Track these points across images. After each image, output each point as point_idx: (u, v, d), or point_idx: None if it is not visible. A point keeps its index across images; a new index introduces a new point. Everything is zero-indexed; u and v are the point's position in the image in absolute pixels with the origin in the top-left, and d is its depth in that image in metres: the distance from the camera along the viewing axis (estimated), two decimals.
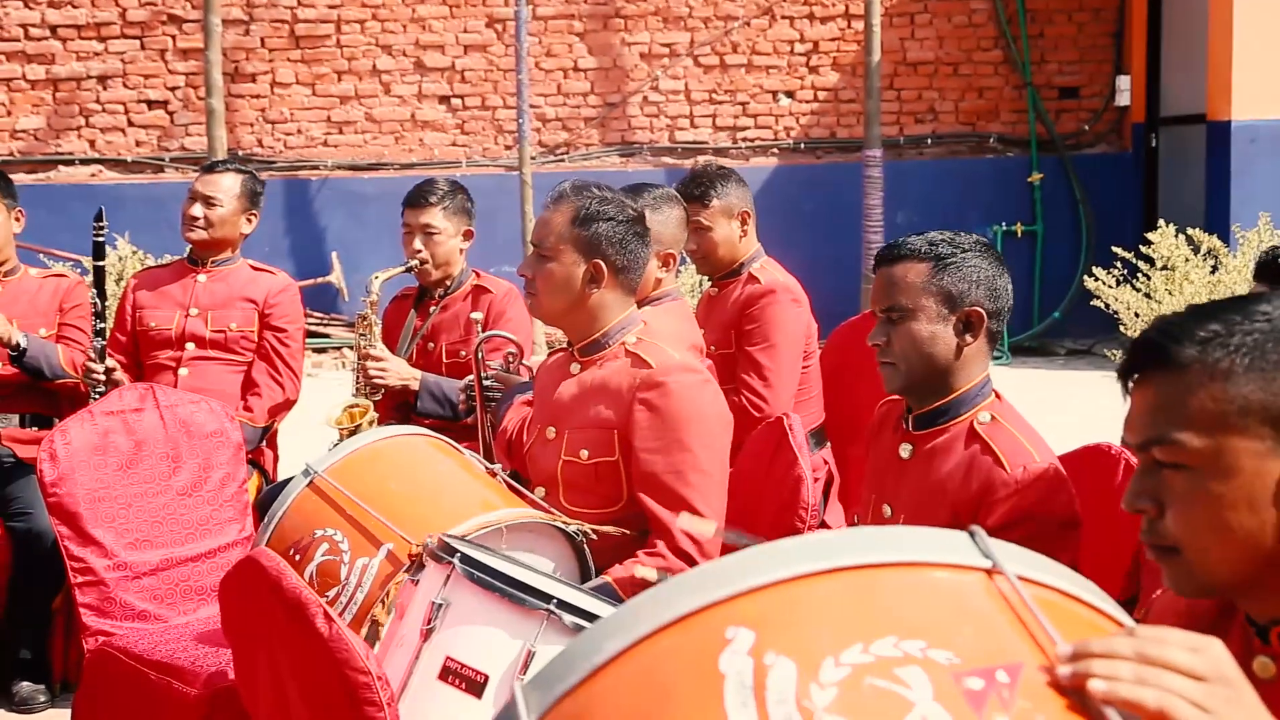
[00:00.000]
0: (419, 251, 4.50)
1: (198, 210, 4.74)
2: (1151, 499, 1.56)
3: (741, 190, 4.39)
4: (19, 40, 10.52)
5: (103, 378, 4.46)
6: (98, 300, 4.54)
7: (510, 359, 4.00)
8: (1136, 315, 8.47)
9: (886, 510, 2.74)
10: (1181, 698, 1.10)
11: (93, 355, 4.54)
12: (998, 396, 2.70)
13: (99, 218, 4.65)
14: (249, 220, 4.86)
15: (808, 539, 1.19)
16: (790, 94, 11.10)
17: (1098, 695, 1.08)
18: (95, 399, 4.19)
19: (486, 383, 3.92)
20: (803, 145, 11.09)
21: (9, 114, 10.54)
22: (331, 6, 10.68)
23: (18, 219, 4.81)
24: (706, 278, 4.65)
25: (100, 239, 4.63)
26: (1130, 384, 1.60)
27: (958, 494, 2.58)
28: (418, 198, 4.54)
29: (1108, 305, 8.71)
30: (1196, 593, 1.58)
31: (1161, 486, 1.55)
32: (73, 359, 4.67)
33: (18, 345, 4.51)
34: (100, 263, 4.62)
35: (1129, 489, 1.59)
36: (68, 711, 3.54)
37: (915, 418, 2.72)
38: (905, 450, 2.72)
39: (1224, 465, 1.52)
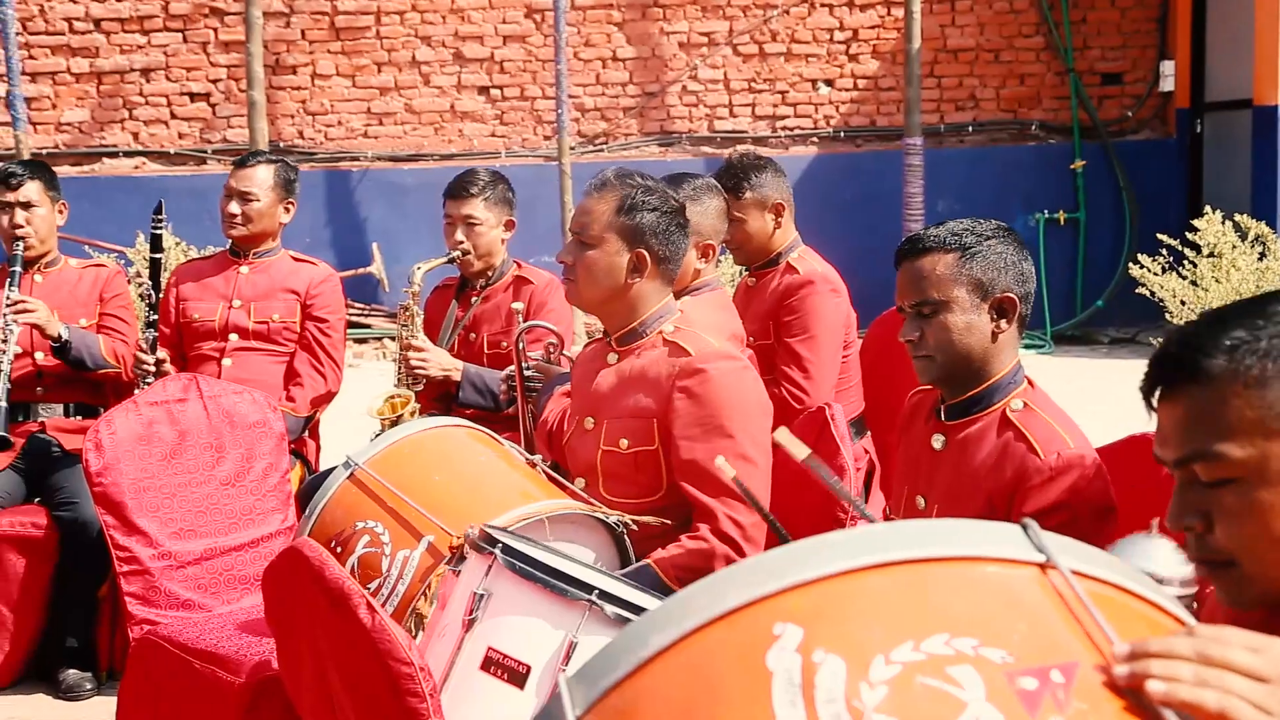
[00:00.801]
0: (461, 242, 4.50)
1: (235, 207, 4.77)
2: (1198, 515, 1.52)
3: (777, 181, 4.35)
4: (64, 34, 10.59)
5: (153, 369, 4.49)
6: (153, 291, 4.59)
7: (551, 349, 4.00)
8: (1183, 303, 8.38)
9: (920, 502, 2.72)
10: (1243, 699, 1.07)
11: (143, 345, 4.58)
12: (1030, 383, 2.67)
13: (158, 210, 4.70)
14: (286, 210, 4.88)
15: (856, 532, 1.16)
16: (830, 82, 11.04)
17: (1156, 697, 1.06)
18: (142, 389, 4.22)
19: (528, 373, 3.91)
20: (842, 134, 11.03)
21: (54, 107, 10.61)
22: None
23: (61, 211, 4.87)
24: (743, 267, 4.62)
25: (159, 231, 4.67)
26: (1155, 400, 1.56)
27: (991, 483, 2.56)
28: (459, 189, 4.54)
29: (1153, 293, 8.62)
30: (1254, 604, 1.53)
31: (1207, 501, 1.52)
32: (114, 349, 4.70)
33: (59, 337, 4.54)
34: (158, 255, 4.66)
35: (1171, 508, 1.55)
36: (113, 699, 3.56)
37: (948, 408, 2.70)
38: (938, 441, 2.70)
39: (1272, 472, 1.48)
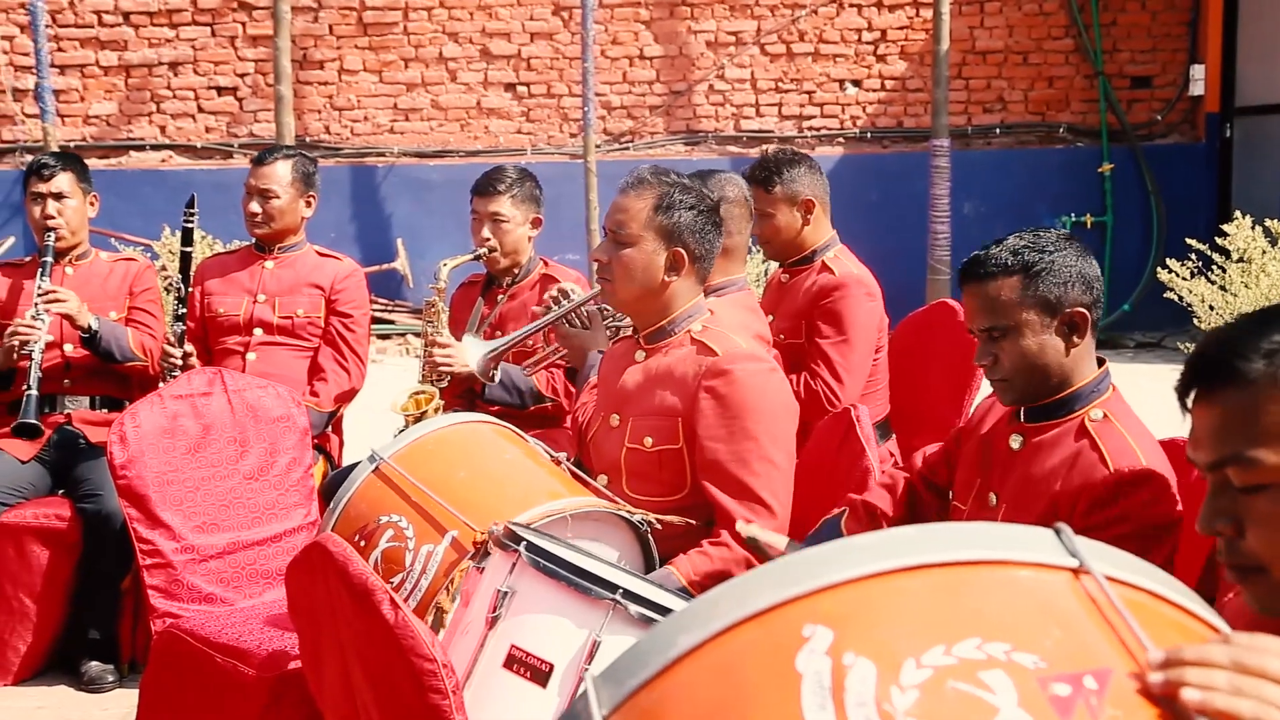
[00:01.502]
0: (487, 239, 4.49)
1: (255, 206, 4.78)
2: (1229, 520, 1.51)
3: (811, 178, 4.31)
4: (92, 27, 10.63)
5: (179, 362, 4.52)
6: (182, 285, 4.61)
7: (561, 299, 3.97)
8: (1211, 308, 8.33)
9: (992, 499, 2.70)
10: None
11: (171, 339, 4.59)
12: (1114, 390, 2.65)
13: (190, 204, 4.72)
14: (308, 203, 4.89)
15: (888, 534, 1.15)
16: (857, 83, 11.01)
17: (1191, 705, 1.04)
18: (167, 383, 4.23)
19: (578, 296, 3.87)
20: (869, 134, 11.00)
21: (82, 100, 10.66)
22: None
23: (92, 203, 4.88)
24: (772, 264, 4.60)
25: (190, 225, 4.69)
26: (1190, 402, 1.54)
27: (1059, 488, 2.54)
28: (486, 185, 4.53)
29: (1180, 298, 8.57)
30: None
31: (1239, 506, 1.50)
32: (142, 342, 4.72)
33: (89, 327, 4.56)
34: (188, 249, 4.67)
35: (1203, 511, 1.54)
36: (135, 691, 3.56)
37: (1028, 410, 2.68)
38: (1015, 441, 2.68)
39: None
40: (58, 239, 4.70)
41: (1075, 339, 2.59)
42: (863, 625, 1.09)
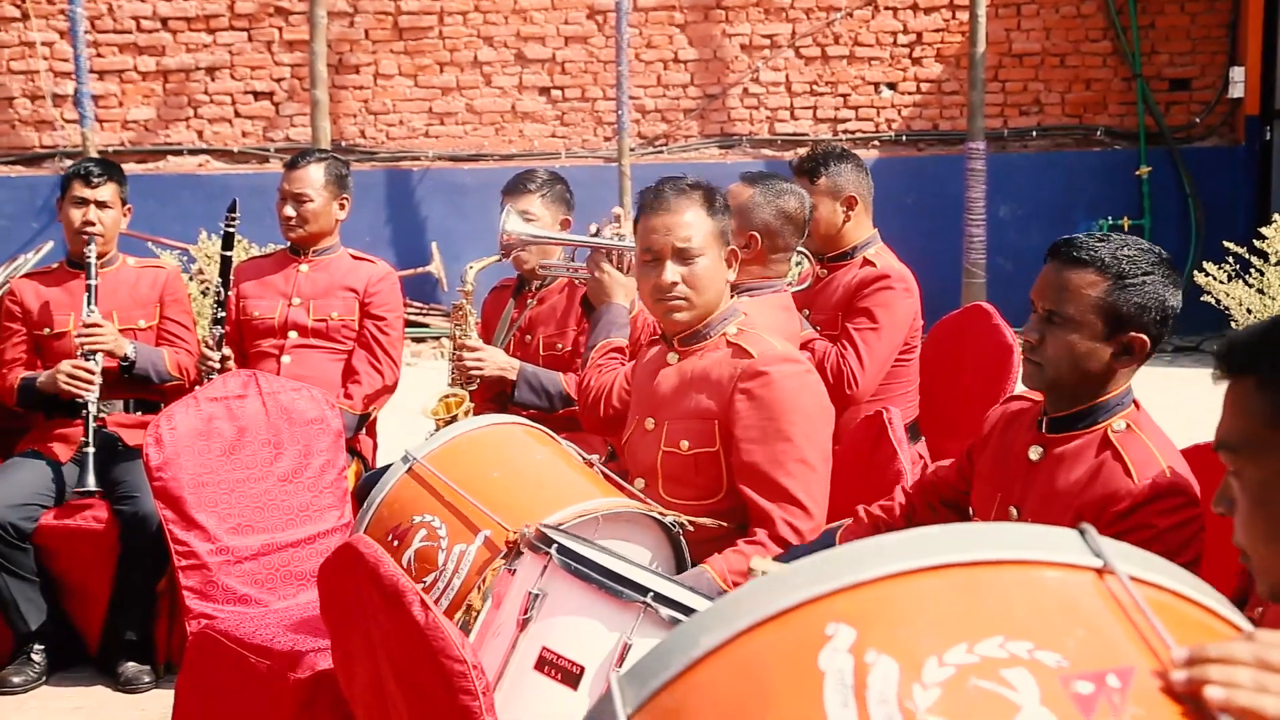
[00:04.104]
0: None
1: (290, 210, 4.81)
2: (1227, 502, 1.53)
3: (855, 175, 4.34)
4: (131, 32, 10.72)
5: (218, 366, 4.55)
6: (222, 289, 4.64)
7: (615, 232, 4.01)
8: (1249, 311, 8.27)
9: (1013, 512, 2.66)
10: None
11: (209, 343, 4.62)
12: (1136, 405, 2.61)
13: (232, 209, 4.76)
14: (341, 206, 4.91)
15: (911, 534, 1.15)
16: (892, 85, 10.99)
17: (1214, 702, 1.04)
18: (203, 385, 4.27)
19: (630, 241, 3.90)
20: (904, 137, 10.97)
21: (120, 105, 10.75)
22: None
23: (126, 215, 4.90)
24: (803, 263, 4.60)
25: (232, 229, 4.72)
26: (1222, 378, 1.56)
27: (1082, 499, 2.51)
28: (516, 185, 4.55)
29: (1218, 301, 8.50)
30: (1273, 598, 1.53)
31: (1231, 490, 1.53)
32: (178, 361, 4.74)
33: (127, 357, 4.58)
34: (228, 253, 4.70)
35: (1217, 492, 1.57)
36: (171, 692, 3.58)
37: (1050, 420, 2.65)
38: (1035, 452, 2.65)
39: (1268, 474, 1.49)
40: (86, 244, 4.70)
41: (1125, 360, 2.55)
42: (886, 624, 1.09)
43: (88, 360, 4.51)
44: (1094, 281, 2.51)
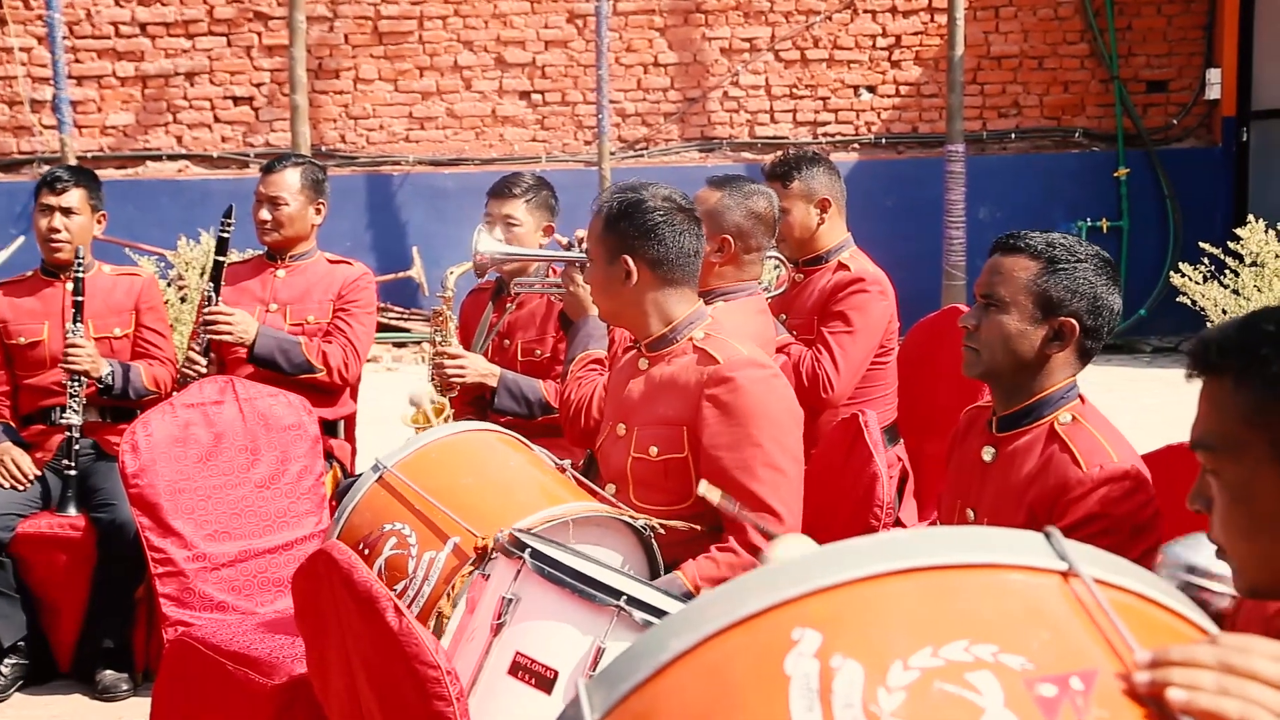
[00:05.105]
0: (498, 241, 4.49)
1: (265, 214, 4.78)
2: (1202, 500, 1.54)
3: (828, 178, 4.35)
4: (109, 38, 10.69)
5: (205, 371, 4.53)
6: (214, 294, 4.62)
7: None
8: (1224, 312, 8.30)
9: (970, 514, 2.73)
10: (1266, 709, 1.06)
11: (196, 348, 4.60)
12: (1081, 399, 2.67)
13: (228, 214, 4.74)
14: (318, 210, 4.89)
15: (878, 538, 1.16)
16: (872, 89, 11.01)
17: (1177, 705, 1.05)
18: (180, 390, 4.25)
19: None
20: (884, 140, 11.00)
21: (99, 110, 10.72)
22: (414, 3, 10.76)
23: (99, 221, 4.87)
24: (780, 268, 4.61)
25: (226, 235, 4.70)
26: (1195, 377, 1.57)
27: (1034, 493, 2.56)
28: (503, 188, 4.53)
29: (1194, 302, 8.55)
30: (1248, 594, 1.54)
31: (1208, 487, 1.54)
32: (155, 376, 4.72)
33: (103, 380, 4.56)
34: (221, 258, 4.69)
35: (1191, 489, 1.58)
36: (149, 700, 3.57)
37: (999, 420, 2.71)
38: (988, 453, 2.71)
39: (1244, 471, 1.49)
40: (53, 251, 4.70)
41: (1056, 346, 2.61)
42: (852, 628, 1.09)
43: (73, 381, 4.50)
44: (1026, 266, 2.62)
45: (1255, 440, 1.45)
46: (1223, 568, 1.86)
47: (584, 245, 3.88)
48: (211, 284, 4.68)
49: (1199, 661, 1.07)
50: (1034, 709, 1.02)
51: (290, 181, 4.79)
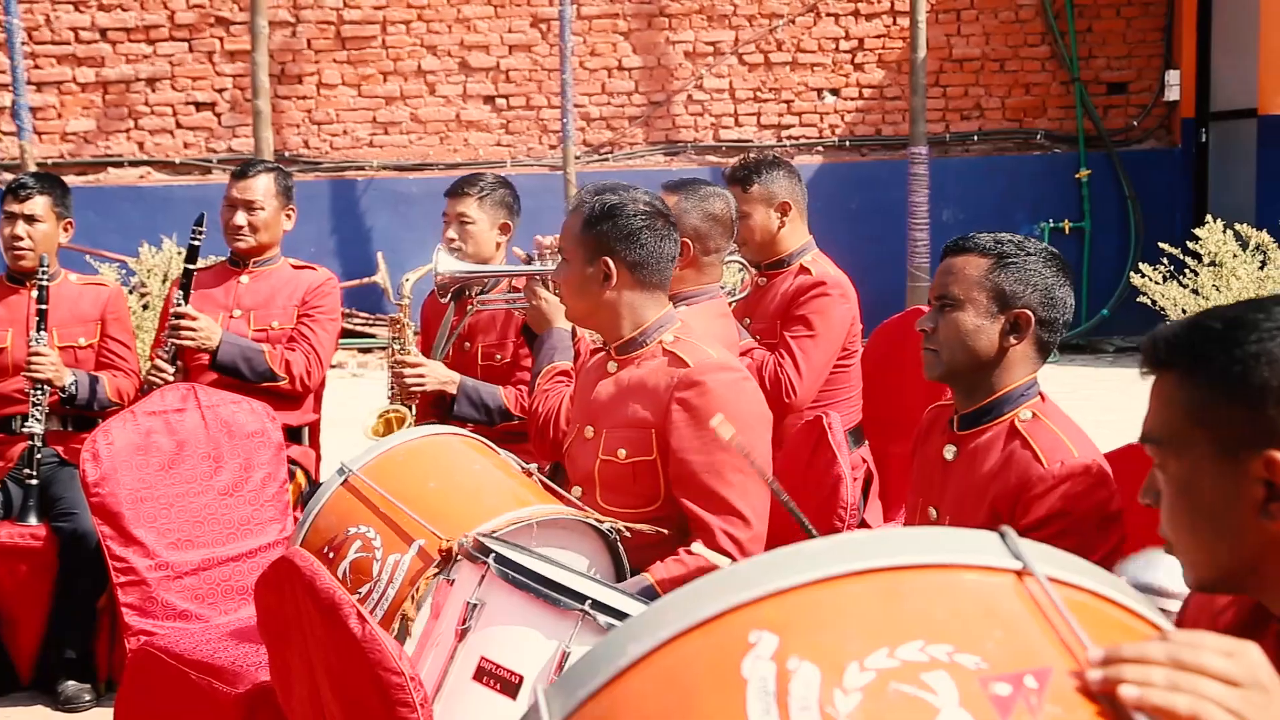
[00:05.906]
0: (453, 240, 4.48)
1: (240, 218, 4.74)
2: (1152, 494, 1.55)
3: (788, 182, 4.36)
4: (69, 43, 10.62)
5: (171, 379, 4.49)
6: (184, 301, 4.59)
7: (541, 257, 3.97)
8: (1184, 312, 8.37)
9: (932, 513, 2.75)
10: (1216, 704, 1.07)
11: (164, 355, 4.57)
12: (1042, 397, 2.69)
13: (199, 222, 4.71)
14: (288, 217, 4.88)
15: (833, 540, 1.17)
16: (835, 91, 11.05)
17: (1129, 701, 1.06)
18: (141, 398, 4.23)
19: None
20: (847, 143, 11.03)
21: (59, 116, 10.64)
22: (377, 8, 10.72)
23: (66, 229, 4.84)
24: (744, 272, 4.62)
25: (197, 243, 4.67)
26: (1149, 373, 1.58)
27: (996, 491, 2.58)
28: (457, 187, 4.54)
29: (1154, 301, 8.61)
30: (1196, 588, 1.55)
31: (1159, 483, 1.55)
32: (119, 387, 4.70)
33: (65, 389, 4.54)
34: (191, 265, 4.66)
35: (1143, 484, 1.59)
36: (112, 710, 3.55)
37: (960, 418, 2.73)
38: (949, 452, 2.73)
39: (1186, 465, 1.51)
40: (16, 259, 4.67)
41: (1014, 339, 2.64)
42: (808, 630, 1.10)
43: (36, 389, 4.47)
44: (977, 263, 2.66)
45: (1198, 436, 1.47)
46: (1178, 585, 1.88)
47: (546, 252, 3.87)
48: (181, 291, 4.65)
49: (1150, 658, 1.08)
50: (989, 708, 1.03)
51: (265, 186, 4.77)
